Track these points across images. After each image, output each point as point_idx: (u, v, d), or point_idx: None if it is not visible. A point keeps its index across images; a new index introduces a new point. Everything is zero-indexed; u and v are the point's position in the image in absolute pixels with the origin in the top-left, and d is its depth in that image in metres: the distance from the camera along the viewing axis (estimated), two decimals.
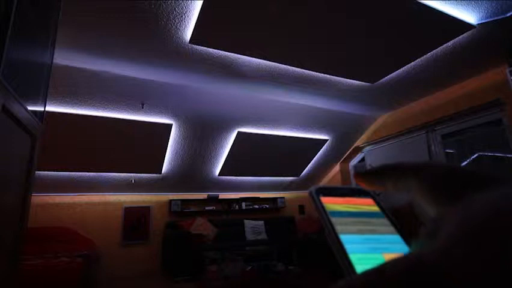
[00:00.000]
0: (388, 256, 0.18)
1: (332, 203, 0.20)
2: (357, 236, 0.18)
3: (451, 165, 0.18)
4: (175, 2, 2.25)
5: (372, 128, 5.39)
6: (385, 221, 0.20)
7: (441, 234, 0.13)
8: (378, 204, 0.22)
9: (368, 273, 0.13)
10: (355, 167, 6.15)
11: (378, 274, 0.13)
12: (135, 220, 5.36)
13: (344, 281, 0.14)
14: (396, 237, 0.19)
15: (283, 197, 6.59)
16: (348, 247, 0.17)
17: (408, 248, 0.18)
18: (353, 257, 0.17)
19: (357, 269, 0.16)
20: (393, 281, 0.12)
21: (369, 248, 0.18)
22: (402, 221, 0.20)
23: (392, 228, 0.20)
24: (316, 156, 5.86)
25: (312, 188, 0.21)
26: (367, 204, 0.22)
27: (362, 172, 0.22)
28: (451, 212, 0.14)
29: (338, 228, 0.19)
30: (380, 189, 0.21)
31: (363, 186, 0.22)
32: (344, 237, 0.18)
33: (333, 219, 0.19)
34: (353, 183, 0.29)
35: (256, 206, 6.34)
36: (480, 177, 0.16)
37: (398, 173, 0.20)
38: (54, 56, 1.77)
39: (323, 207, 0.20)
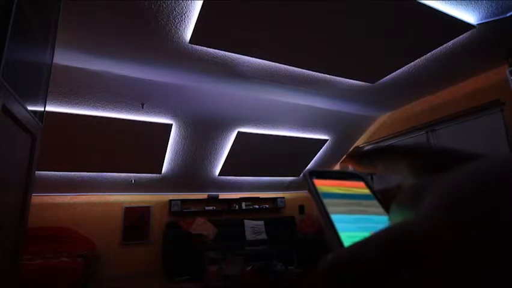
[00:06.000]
0: None
1: (324, 185, 0.21)
2: (347, 216, 0.19)
3: (441, 147, 0.18)
4: (175, 2, 2.26)
5: (372, 128, 5.39)
6: (375, 202, 0.21)
7: (424, 204, 0.14)
8: (369, 187, 0.22)
9: (354, 245, 0.14)
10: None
11: (363, 245, 0.14)
12: (135, 220, 5.36)
13: (332, 253, 0.14)
14: (386, 218, 0.20)
15: (283, 197, 6.59)
16: (338, 226, 0.18)
17: None
18: (343, 235, 0.17)
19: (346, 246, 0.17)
20: (376, 250, 0.13)
21: (359, 227, 0.18)
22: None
23: (381, 210, 0.20)
24: (316, 156, 5.86)
25: (306, 171, 0.22)
26: (358, 187, 0.22)
27: (354, 155, 0.22)
28: (434, 183, 0.14)
29: (329, 208, 0.19)
30: (371, 172, 0.22)
31: (355, 168, 0.22)
32: (334, 217, 0.19)
33: (325, 200, 0.20)
34: None
35: (256, 206, 6.33)
36: (468, 156, 0.17)
37: (388, 155, 0.20)
38: (54, 56, 1.77)
39: (315, 188, 0.21)
